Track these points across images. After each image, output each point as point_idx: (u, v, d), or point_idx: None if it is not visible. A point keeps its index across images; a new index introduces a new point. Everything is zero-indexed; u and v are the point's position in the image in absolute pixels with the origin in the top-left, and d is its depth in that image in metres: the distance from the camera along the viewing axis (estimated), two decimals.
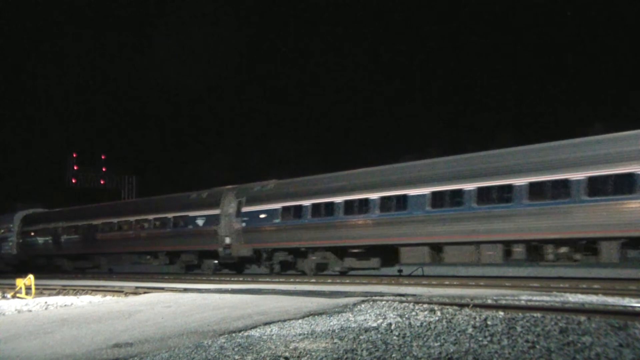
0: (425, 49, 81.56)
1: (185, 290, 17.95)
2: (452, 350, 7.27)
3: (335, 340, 8.23)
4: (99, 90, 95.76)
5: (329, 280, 22.15)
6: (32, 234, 41.55)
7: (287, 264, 25.93)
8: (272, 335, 9.02)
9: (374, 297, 12.52)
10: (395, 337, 8.22)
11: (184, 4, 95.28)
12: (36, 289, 19.93)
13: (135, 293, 18.06)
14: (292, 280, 23.18)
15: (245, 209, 27.27)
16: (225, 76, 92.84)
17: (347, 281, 21.56)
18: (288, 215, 25.37)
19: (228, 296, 14.95)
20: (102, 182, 59.21)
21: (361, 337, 8.39)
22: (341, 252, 23.95)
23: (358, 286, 18.22)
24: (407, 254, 21.73)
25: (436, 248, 20.92)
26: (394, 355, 7.23)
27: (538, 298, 12.71)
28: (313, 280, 22.78)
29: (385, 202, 22.02)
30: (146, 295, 17.11)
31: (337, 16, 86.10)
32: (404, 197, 21.40)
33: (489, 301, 11.78)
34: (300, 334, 8.91)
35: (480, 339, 7.80)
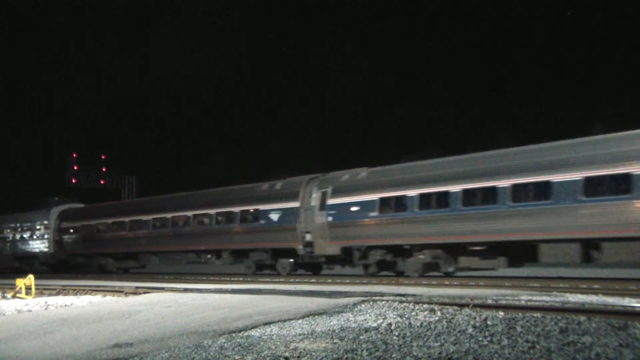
0: (425, 49, 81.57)
1: (185, 290, 17.96)
2: (452, 350, 7.28)
3: (335, 340, 8.24)
4: (99, 90, 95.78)
5: (329, 280, 22.13)
6: (71, 231, 37.95)
7: (385, 264, 22.88)
8: (272, 335, 9.03)
9: (374, 297, 12.52)
10: (395, 337, 8.22)
11: (184, 3, 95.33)
12: (36, 289, 19.92)
13: (135, 293, 18.06)
14: (292, 280, 23.17)
15: (331, 201, 24.02)
16: (225, 76, 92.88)
17: (347, 281, 21.55)
18: (388, 207, 22.21)
19: (228, 296, 14.96)
20: (102, 182, 59.18)
21: (361, 337, 8.39)
22: (455, 249, 20.87)
23: (358, 286, 18.23)
24: (549, 252, 18.61)
25: (590, 245, 17.84)
26: (394, 355, 7.24)
27: (538, 298, 12.72)
28: (313, 280, 22.77)
29: (519, 190, 18.59)
30: (146, 295, 17.12)
31: (338, 16, 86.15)
32: (547, 183, 17.93)
33: (489, 301, 11.78)
34: (300, 334, 8.92)
35: (480, 339, 7.80)
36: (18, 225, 42.93)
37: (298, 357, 7.44)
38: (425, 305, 11.01)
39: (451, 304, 10.99)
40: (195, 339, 9.05)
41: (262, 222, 26.50)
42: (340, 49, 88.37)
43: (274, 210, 26.02)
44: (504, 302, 11.68)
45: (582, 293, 14.13)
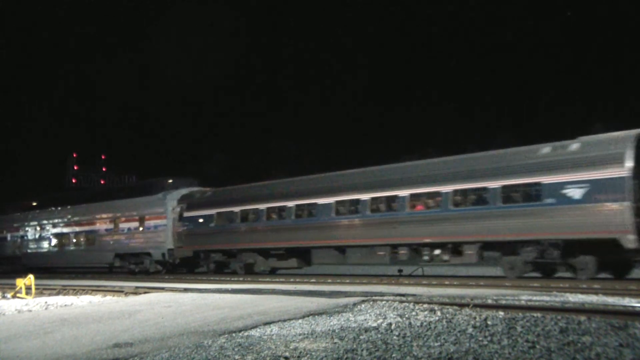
0: (425, 48, 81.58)
1: (186, 290, 17.98)
2: (452, 350, 7.28)
3: (336, 340, 8.24)
4: (99, 90, 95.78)
5: (329, 280, 22.14)
6: (201, 220, 29.46)
7: None
8: (272, 335, 9.03)
9: (374, 297, 12.53)
10: (395, 337, 8.22)
11: (184, 4, 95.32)
12: (36, 288, 19.94)
13: (135, 293, 18.08)
14: (292, 280, 23.19)
15: None
16: (225, 76, 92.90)
17: (347, 281, 21.57)
18: None
19: (228, 296, 14.96)
20: (102, 182, 59.25)
21: (361, 337, 8.39)
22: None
23: (358, 286, 18.24)
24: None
25: None
26: (394, 355, 7.24)
27: (538, 298, 12.72)
28: (313, 280, 22.79)
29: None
30: (146, 295, 17.13)
31: (338, 15, 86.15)
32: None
33: (489, 301, 11.78)
34: (300, 334, 8.92)
35: (480, 338, 7.81)
36: (118, 214, 34.75)
37: (298, 357, 7.44)
38: (426, 305, 11.02)
39: (451, 304, 10.99)
40: (196, 339, 9.05)
41: (550, 200, 18.43)
42: (340, 48, 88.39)
43: (573, 184, 18.10)
44: (504, 302, 11.69)
45: (582, 293, 14.14)
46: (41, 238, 41.40)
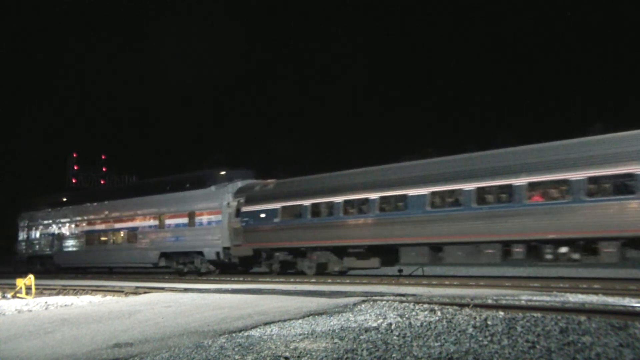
0: (425, 48, 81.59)
1: (186, 290, 17.98)
2: (452, 350, 7.28)
3: (336, 340, 8.24)
4: (99, 90, 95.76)
5: (329, 280, 22.15)
6: (263, 215, 26.23)
7: None
8: (273, 335, 9.03)
9: (374, 297, 12.53)
10: (395, 337, 8.22)
11: (183, 3, 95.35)
12: (36, 288, 19.94)
13: (135, 293, 18.08)
14: (291, 280, 23.19)
15: None
16: (225, 76, 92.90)
17: (347, 281, 21.57)
18: None
19: (228, 296, 14.97)
20: (102, 182, 59.25)
21: (361, 337, 8.39)
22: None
23: (358, 286, 18.25)
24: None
25: None
26: (394, 355, 7.24)
27: (538, 298, 12.72)
28: (313, 280, 22.79)
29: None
30: (146, 295, 17.14)
31: (338, 15, 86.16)
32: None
33: (489, 301, 11.78)
34: (300, 334, 8.92)
35: (480, 338, 7.81)
36: (164, 210, 31.83)
37: (298, 357, 7.44)
38: (426, 305, 11.02)
39: (451, 304, 11.00)
40: (196, 339, 9.05)
41: None
42: (339, 48, 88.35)
43: None
44: (504, 302, 11.69)
45: (582, 293, 14.13)
46: (76, 235, 38.29)
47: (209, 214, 29.10)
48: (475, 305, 10.65)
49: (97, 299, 17.92)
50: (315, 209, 24.70)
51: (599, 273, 21.11)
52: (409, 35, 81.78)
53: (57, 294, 20.55)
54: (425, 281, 19.88)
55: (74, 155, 59.01)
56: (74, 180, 58.33)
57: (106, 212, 36.18)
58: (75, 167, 58.54)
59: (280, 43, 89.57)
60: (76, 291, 20.66)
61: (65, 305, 16.15)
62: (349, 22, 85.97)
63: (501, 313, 9.74)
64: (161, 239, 31.65)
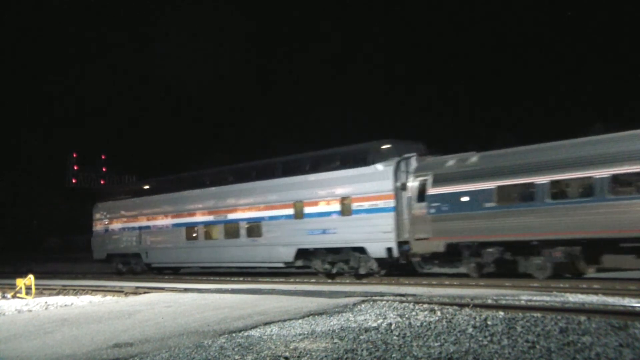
0: (425, 48, 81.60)
1: (186, 290, 17.99)
2: (452, 350, 7.28)
3: (336, 340, 8.24)
4: (99, 89, 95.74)
5: (329, 280, 22.14)
6: (465, 199, 19.82)
7: None
8: (272, 335, 9.03)
9: (374, 297, 12.53)
10: (395, 337, 8.22)
11: (183, 3, 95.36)
12: (36, 289, 19.93)
13: (135, 293, 18.09)
14: (292, 280, 23.18)
15: None
16: (225, 75, 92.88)
17: (347, 281, 21.57)
18: None
19: (228, 296, 14.97)
20: (102, 182, 59.23)
21: (361, 337, 8.40)
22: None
23: (358, 286, 18.26)
24: None
25: None
26: (394, 355, 7.24)
27: (538, 298, 12.73)
28: (313, 280, 22.78)
29: None
30: (146, 295, 17.15)
31: (338, 15, 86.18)
32: None
33: (489, 301, 11.79)
34: (300, 334, 8.92)
35: (480, 338, 7.81)
36: (302, 195, 24.96)
37: (298, 357, 7.45)
38: (425, 305, 11.03)
39: (451, 304, 11.00)
40: (195, 339, 9.06)
41: None
42: (339, 48, 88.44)
43: None
44: (504, 302, 11.70)
45: (582, 293, 14.14)
46: (171, 229, 30.89)
47: (375, 199, 22.61)
48: (475, 305, 10.65)
49: (97, 299, 17.92)
50: (558, 188, 18.23)
51: (599, 273, 21.10)
52: (409, 33, 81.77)
53: (57, 294, 20.56)
54: (425, 281, 19.86)
55: (74, 155, 58.98)
56: (74, 180, 58.30)
57: (215, 200, 29.03)
58: (75, 167, 58.49)
59: (280, 42, 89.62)
60: (76, 291, 20.67)
61: (65, 305, 16.15)
62: (350, 21, 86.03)
63: (501, 313, 9.74)
64: (299, 232, 24.86)
